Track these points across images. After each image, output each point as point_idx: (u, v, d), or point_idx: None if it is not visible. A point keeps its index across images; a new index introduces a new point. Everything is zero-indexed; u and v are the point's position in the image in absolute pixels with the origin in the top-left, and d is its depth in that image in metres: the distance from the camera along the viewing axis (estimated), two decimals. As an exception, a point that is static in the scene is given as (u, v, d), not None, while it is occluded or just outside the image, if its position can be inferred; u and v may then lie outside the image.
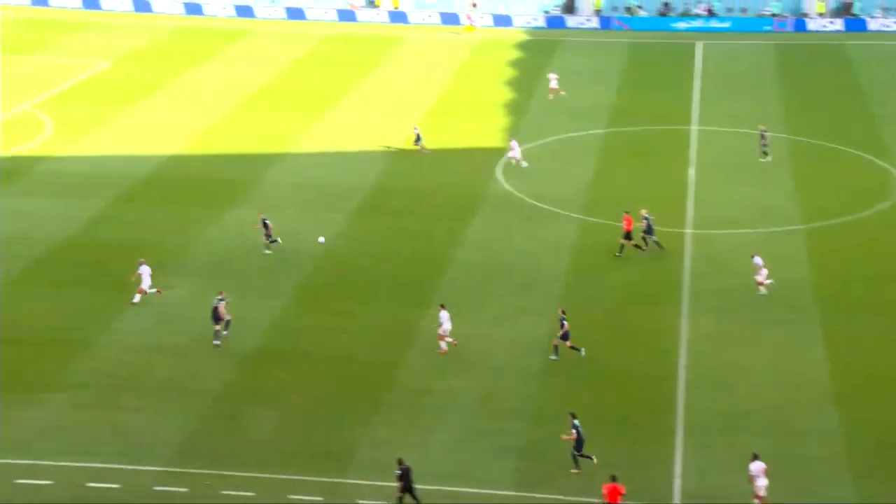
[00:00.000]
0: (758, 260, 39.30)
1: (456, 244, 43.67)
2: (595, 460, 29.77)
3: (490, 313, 38.01)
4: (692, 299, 39.09)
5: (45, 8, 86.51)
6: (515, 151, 51.41)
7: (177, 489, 28.97)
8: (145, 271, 38.48)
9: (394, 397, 33.21)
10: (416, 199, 48.32)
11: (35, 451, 30.18)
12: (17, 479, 29.05)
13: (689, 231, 44.69)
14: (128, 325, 37.12)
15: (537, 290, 39.89)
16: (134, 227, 44.67)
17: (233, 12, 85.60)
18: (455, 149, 54.55)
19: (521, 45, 76.63)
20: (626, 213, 42.44)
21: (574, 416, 30.04)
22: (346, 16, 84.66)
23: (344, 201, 48.04)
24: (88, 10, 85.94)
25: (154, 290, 38.48)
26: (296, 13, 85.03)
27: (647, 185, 49.58)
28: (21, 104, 61.48)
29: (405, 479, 28.25)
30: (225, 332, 35.98)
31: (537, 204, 47.39)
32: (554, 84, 63.35)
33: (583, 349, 34.65)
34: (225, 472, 29.63)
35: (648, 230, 42.08)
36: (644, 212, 42.52)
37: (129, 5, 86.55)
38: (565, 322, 34.70)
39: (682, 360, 35.25)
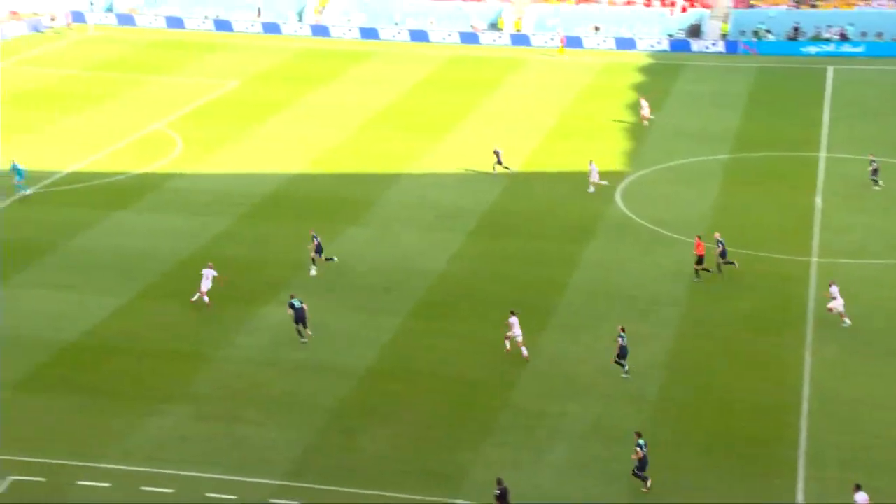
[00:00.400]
0: (834, 289, 38.39)
1: (573, 267, 43.50)
2: (649, 483, 29.41)
3: (605, 338, 37.74)
4: (816, 329, 38.16)
5: (180, 30, 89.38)
6: (594, 174, 51.35)
7: (291, 502, 29.48)
8: (208, 274, 39.59)
9: (506, 419, 33.21)
10: (533, 220, 48.32)
11: (159, 460, 31.08)
12: (143, 486, 29.95)
13: (814, 259, 43.67)
14: (248, 339, 37.97)
15: (654, 316, 39.45)
16: (257, 244, 45.70)
17: (357, 35, 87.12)
18: (574, 171, 54.39)
19: (645, 69, 76.06)
20: (698, 237, 42.55)
21: (639, 436, 29.96)
22: (469, 38, 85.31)
23: (461, 222, 48.33)
24: (221, 33, 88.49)
25: (203, 294, 39.40)
26: (419, 35, 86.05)
27: (772, 212, 48.63)
28: (155, 122, 63.56)
29: (503, 499, 28.21)
30: (309, 333, 37.10)
31: (656, 229, 46.90)
32: (645, 111, 62.62)
33: (626, 370, 34.77)
34: (338, 489, 30.01)
35: (723, 254, 41.90)
36: (717, 235, 42.49)
37: (259, 28, 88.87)
38: (623, 339, 34.87)
39: (805, 390, 34.41)
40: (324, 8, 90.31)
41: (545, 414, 33.47)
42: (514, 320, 36.32)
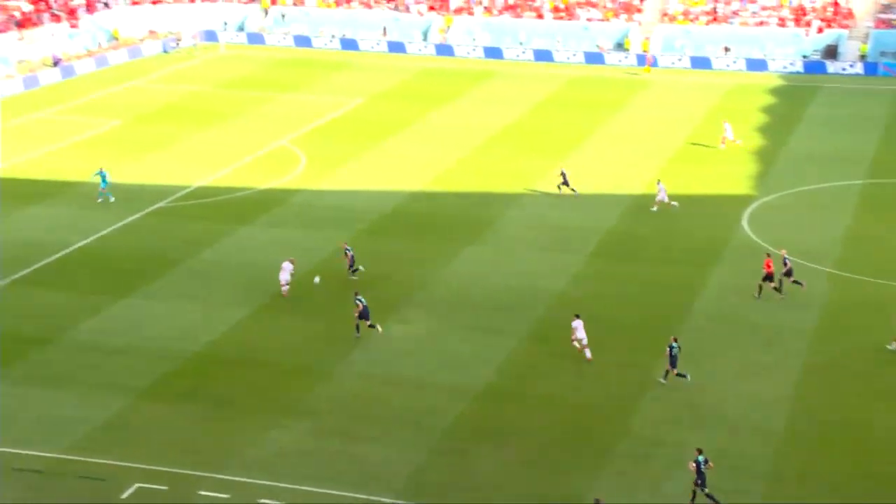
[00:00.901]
0: None
1: (695, 293, 42.63)
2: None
3: (728, 367, 36.81)
4: (954, 364, 36.57)
5: (308, 49, 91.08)
6: (662, 194, 50.85)
7: (404, 521, 29.49)
8: (287, 268, 41.77)
9: (624, 447, 32.62)
10: (655, 244, 47.56)
11: (277, 474, 31.38)
12: (260, 498, 30.29)
13: (951, 291, 41.95)
14: (366, 355, 38.20)
15: (780, 345, 38.34)
16: (376, 260, 46.07)
17: (481, 54, 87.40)
18: (700, 195, 53.41)
19: (776, 91, 74.44)
20: (768, 255, 42.42)
21: (700, 452, 29.82)
22: (594, 58, 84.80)
23: (582, 243, 47.88)
24: (347, 51, 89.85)
25: (285, 287, 41.56)
26: (543, 55, 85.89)
27: (907, 240, 46.98)
28: (280, 139, 64.79)
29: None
30: (380, 330, 38.73)
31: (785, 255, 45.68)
32: (729, 134, 61.04)
33: (688, 375, 35.17)
34: (452, 509, 29.93)
35: (788, 273, 41.42)
36: (783, 252, 42.23)
37: (384, 47, 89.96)
38: (674, 349, 35.16)
39: (941, 428, 32.99)
40: (449, 28, 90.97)
41: (664, 442, 32.76)
42: (577, 323, 37.24)
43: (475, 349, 38.36)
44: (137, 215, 51.39)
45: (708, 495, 29.42)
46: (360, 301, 38.98)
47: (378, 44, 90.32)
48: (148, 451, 32.20)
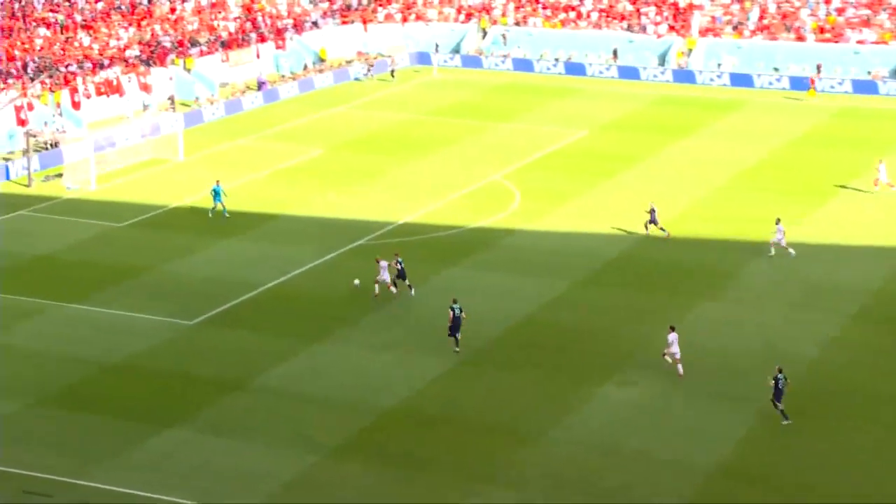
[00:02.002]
0: None
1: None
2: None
3: None
4: None
5: (528, 74, 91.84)
6: (779, 234, 50.76)
7: None
8: (384, 266, 46.34)
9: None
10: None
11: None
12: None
13: None
14: (580, 420, 37.68)
15: None
16: (596, 313, 45.56)
17: (727, 82, 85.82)
18: None
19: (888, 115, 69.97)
20: None
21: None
22: (865, 87, 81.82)
23: (839, 302, 45.95)
24: (572, 76, 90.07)
25: (389, 284, 46.36)
26: (798, 83, 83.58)
27: None
28: (493, 173, 65.31)
29: None
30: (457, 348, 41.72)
31: None
32: (883, 177, 57.92)
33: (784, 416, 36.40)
34: None
35: None
36: None
37: (615, 72, 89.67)
38: (780, 381, 36.37)
39: None
40: (690, 51, 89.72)
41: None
42: (673, 337, 39.73)
43: (707, 420, 37.23)
44: (335, 253, 52.70)
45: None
46: (455, 309, 41.85)
47: (608, 69, 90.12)
48: (335, 514, 32.67)
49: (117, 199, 61.28)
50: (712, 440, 36.15)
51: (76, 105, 74.27)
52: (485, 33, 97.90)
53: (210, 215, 57.34)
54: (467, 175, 64.79)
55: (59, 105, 73.47)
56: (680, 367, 39.86)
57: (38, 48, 78.28)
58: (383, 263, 47.04)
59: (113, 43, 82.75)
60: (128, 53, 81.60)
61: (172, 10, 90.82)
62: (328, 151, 70.72)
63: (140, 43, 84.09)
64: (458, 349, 42.12)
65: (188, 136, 71.58)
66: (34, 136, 68.33)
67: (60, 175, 64.63)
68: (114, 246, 54.16)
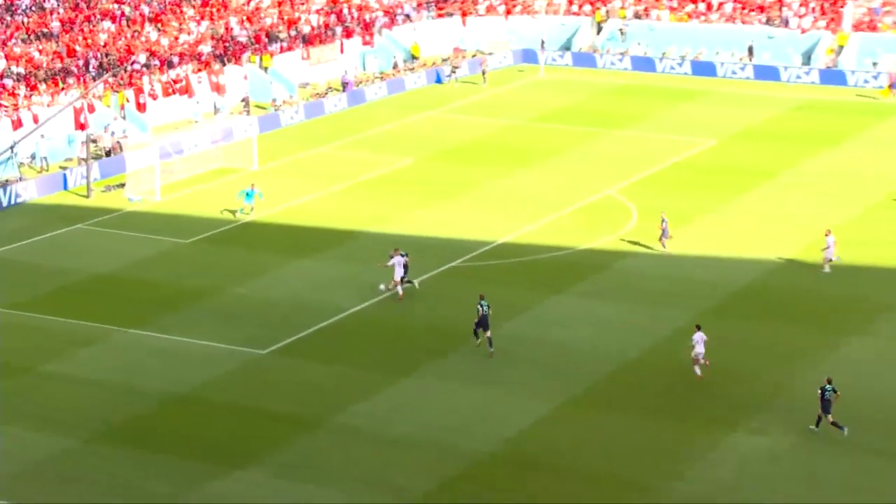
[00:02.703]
0: None
1: None
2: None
3: None
4: None
5: (650, 73, 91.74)
6: (831, 249, 52.04)
7: None
8: (399, 261, 48.95)
9: None
10: None
11: None
12: None
13: None
14: (705, 471, 37.34)
15: None
16: (724, 349, 45.26)
17: (884, 82, 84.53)
18: None
19: None
20: None
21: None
22: None
23: None
24: (700, 77, 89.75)
25: (410, 281, 49.28)
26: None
27: None
28: (606, 187, 65.21)
29: None
30: (487, 350, 44.57)
31: None
32: None
33: (845, 428, 38.32)
34: None
35: None
36: None
37: (750, 72, 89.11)
38: (826, 392, 38.42)
39: None
40: (841, 48, 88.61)
41: None
42: (698, 336, 42.58)
43: (854, 476, 36.76)
44: (425, 276, 53.09)
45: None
46: (482, 306, 44.71)
47: (742, 68, 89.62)
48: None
49: (184, 213, 62.54)
50: (860, 500, 35.68)
51: (141, 107, 76.01)
52: (600, 28, 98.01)
53: (237, 215, 60.29)
54: (576, 189, 64.85)
55: (122, 107, 75.20)
56: (698, 368, 42.64)
57: (101, 44, 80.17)
58: (398, 259, 49.55)
59: (183, 38, 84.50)
60: (199, 49, 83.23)
61: (249, 2, 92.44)
62: (419, 161, 71.33)
63: (213, 38, 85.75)
64: (491, 349, 44.74)
65: (263, 142, 72.76)
66: (94, 142, 70.07)
67: (122, 185, 66.10)
68: (180, 264, 55.28)
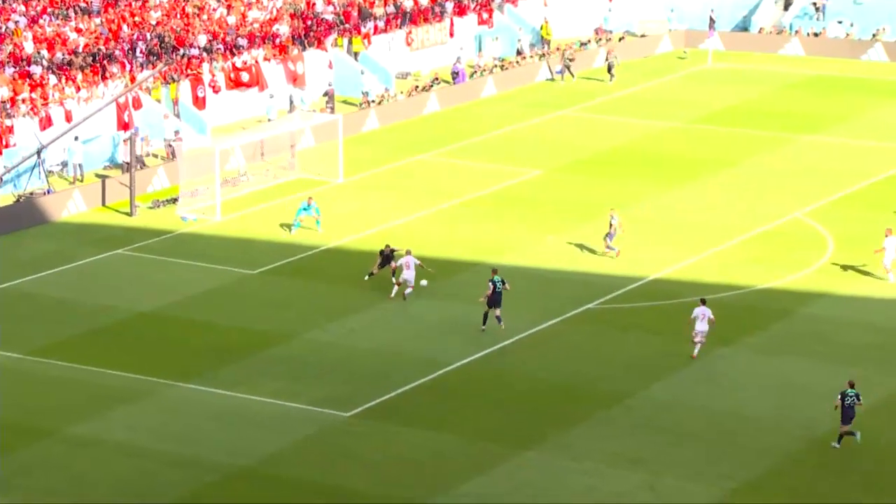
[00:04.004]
0: None
1: None
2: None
3: None
4: None
5: (852, 60, 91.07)
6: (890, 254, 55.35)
7: None
8: (410, 262, 54.01)
9: None
10: None
11: None
12: None
13: None
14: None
15: None
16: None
17: None
18: None
19: None
20: None
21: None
22: None
23: None
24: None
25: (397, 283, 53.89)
26: None
27: None
28: (792, 209, 64.65)
29: None
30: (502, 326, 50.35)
31: None
32: None
33: (858, 433, 41.92)
34: None
35: None
36: None
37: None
38: (848, 398, 42.08)
39: None
40: None
41: None
42: (699, 311, 48.42)
43: None
44: (555, 320, 52.98)
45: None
46: (495, 282, 50.54)
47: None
48: None
49: (251, 236, 63.08)
50: None
51: (199, 102, 76.83)
52: (787, 3, 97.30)
53: (292, 231, 62.20)
54: (752, 211, 64.33)
55: (175, 102, 76.01)
56: (697, 349, 48.35)
57: (152, 22, 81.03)
58: (408, 260, 54.31)
59: (254, 15, 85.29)
60: (274, 30, 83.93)
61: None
62: (548, 173, 71.35)
63: (291, 16, 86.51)
64: (502, 325, 50.92)
65: (351, 146, 73.20)
66: (143, 148, 70.75)
67: (174, 200, 66.72)
68: (244, 302, 55.71)
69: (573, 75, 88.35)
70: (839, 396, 42.72)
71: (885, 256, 55.64)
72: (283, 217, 64.26)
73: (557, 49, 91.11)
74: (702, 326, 48.57)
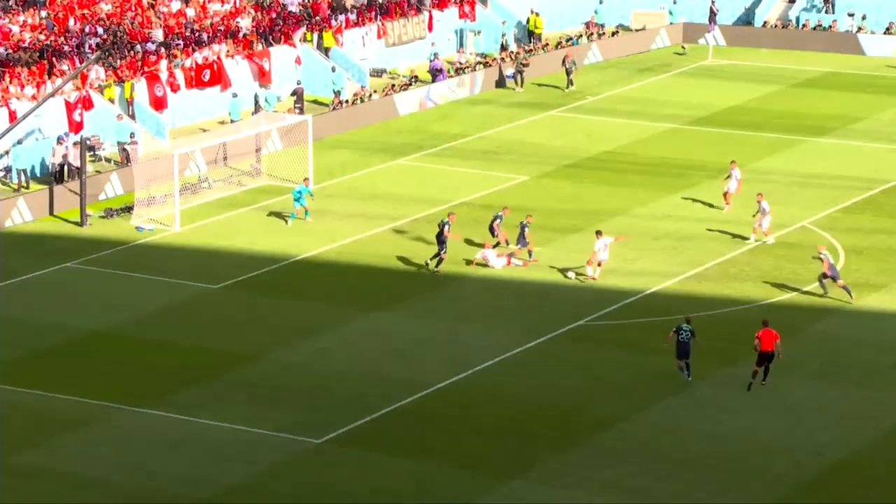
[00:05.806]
0: None
1: None
2: None
3: None
4: None
5: (867, 57, 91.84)
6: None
7: None
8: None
9: None
10: None
11: None
12: None
13: None
14: None
15: None
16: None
17: None
18: None
19: None
20: None
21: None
22: None
23: None
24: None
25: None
26: None
27: None
28: (800, 217, 64.82)
29: None
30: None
31: None
32: None
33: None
34: None
35: None
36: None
37: None
38: (681, 333, 46.93)
39: None
40: None
41: None
42: (601, 243, 56.18)
43: None
44: (544, 338, 52.99)
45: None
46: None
47: None
48: None
49: (212, 246, 63.05)
50: None
51: (157, 102, 76.74)
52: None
53: (288, 223, 62.94)
54: (756, 219, 64.42)
55: (130, 101, 75.84)
56: (590, 269, 56.85)
57: (103, 15, 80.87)
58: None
59: (215, 8, 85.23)
60: (236, 24, 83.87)
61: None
62: (534, 178, 71.45)
63: (256, 8, 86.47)
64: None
65: (321, 150, 73.15)
66: (92, 150, 70.69)
67: (129, 209, 66.59)
68: (205, 319, 55.66)
69: (522, 83, 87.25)
70: (673, 331, 48.31)
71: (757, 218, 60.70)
72: (248, 227, 64.19)
73: (513, 55, 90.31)
74: (604, 255, 57.13)
